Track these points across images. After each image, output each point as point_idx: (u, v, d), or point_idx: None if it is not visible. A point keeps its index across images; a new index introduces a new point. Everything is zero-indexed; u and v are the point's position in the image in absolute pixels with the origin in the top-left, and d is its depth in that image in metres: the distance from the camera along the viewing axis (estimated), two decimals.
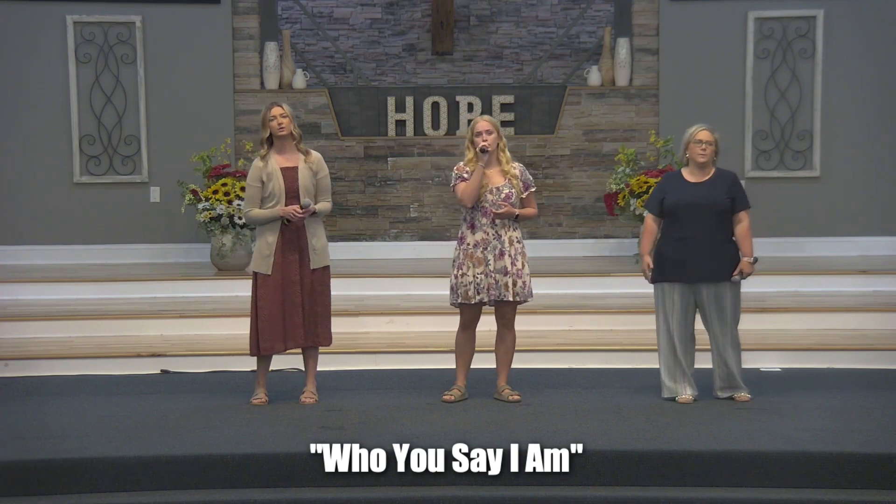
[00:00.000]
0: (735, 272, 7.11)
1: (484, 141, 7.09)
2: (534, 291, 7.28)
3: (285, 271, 7.11)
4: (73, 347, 8.64)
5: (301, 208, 7.04)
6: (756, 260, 7.17)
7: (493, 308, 7.28)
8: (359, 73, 12.45)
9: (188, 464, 6.04)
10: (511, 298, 7.14)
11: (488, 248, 7.15)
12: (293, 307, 7.12)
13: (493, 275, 7.13)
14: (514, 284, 7.14)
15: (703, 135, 7.13)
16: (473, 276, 7.14)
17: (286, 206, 7.08)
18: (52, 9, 11.13)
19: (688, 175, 7.19)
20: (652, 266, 7.16)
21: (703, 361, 7.28)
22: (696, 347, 7.24)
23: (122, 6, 11.22)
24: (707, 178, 7.16)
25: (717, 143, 7.16)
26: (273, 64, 11.50)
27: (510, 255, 7.15)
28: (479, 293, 7.14)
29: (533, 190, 7.29)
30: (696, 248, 7.07)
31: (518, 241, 7.20)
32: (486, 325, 7.38)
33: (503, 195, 7.15)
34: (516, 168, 7.24)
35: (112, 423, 6.79)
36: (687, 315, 7.16)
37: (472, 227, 7.19)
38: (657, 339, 7.26)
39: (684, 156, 7.23)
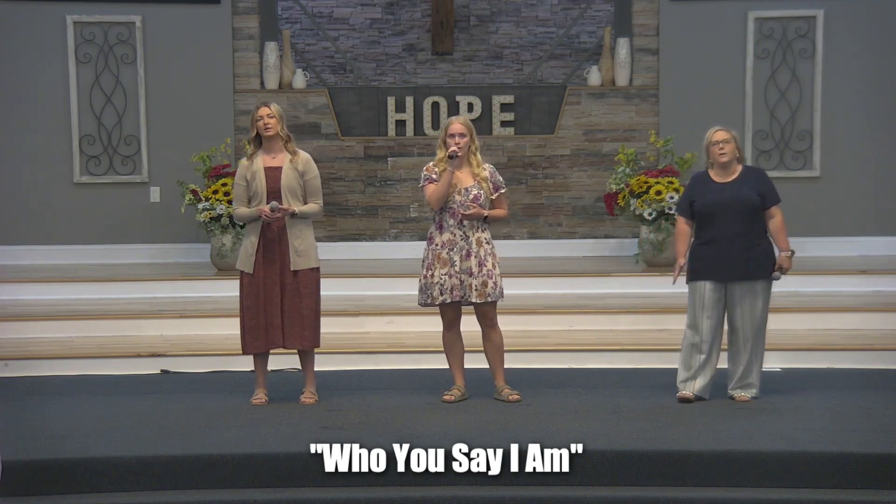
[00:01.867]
0: (774, 269, 7.10)
1: (456, 144, 7.09)
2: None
3: (266, 271, 7.11)
4: (73, 347, 8.64)
5: (270, 210, 7.03)
6: (793, 253, 7.16)
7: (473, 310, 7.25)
8: (359, 73, 12.45)
9: (188, 464, 6.04)
10: (475, 300, 7.12)
11: (454, 249, 7.13)
12: (272, 307, 7.11)
13: (458, 275, 7.11)
14: (485, 285, 7.11)
15: (719, 135, 7.15)
16: (439, 276, 7.14)
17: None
18: (52, 9, 11.12)
19: (714, 176, 7.20)
20: (684, 267, 7.12)
21: (719, 361, 7.22)
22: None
23: (122, 6, 11.21)
24: (734, 176, 7.17)
25: (735, 139, 7.16)
26: (273, 64, 11.50)
27: (477, 257, 7.12)
28: (442, 294, 7.12)
29: (503, 192, 7.27)
30: (728, 249, 7.05)
31: (487, 243, 7.18)
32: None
33: (471, 196, 7.13)
34: (486, 170, 7.22)
35: (112, 423, 6.79)
36: (718, 313, 7.13)
37: (440, 228, 7.18)
38: (683, 338, 7.21)
39: (708, 161, 7.24)
